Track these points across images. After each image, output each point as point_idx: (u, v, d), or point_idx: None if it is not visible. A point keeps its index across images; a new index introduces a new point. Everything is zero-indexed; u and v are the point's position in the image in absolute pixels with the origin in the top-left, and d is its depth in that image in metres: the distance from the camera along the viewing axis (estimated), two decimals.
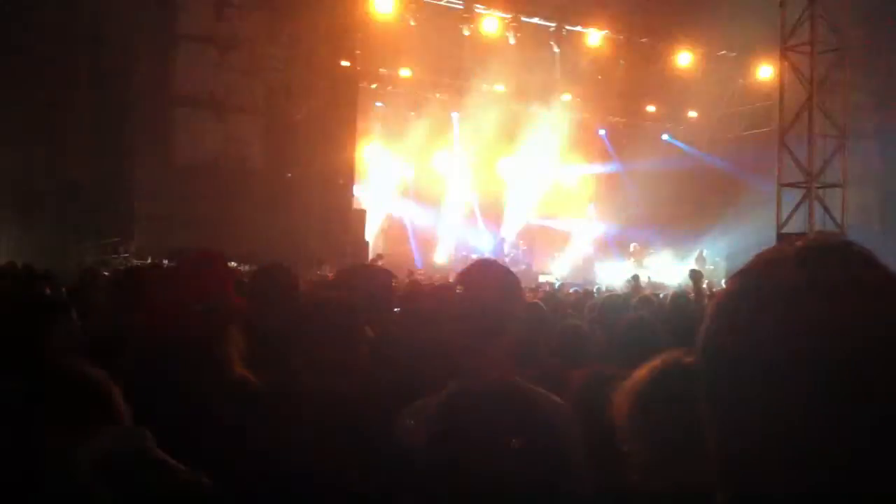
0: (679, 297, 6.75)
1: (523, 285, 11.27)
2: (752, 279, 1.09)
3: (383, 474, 2.58)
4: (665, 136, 24.38)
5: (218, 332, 3.12)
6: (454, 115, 22.56)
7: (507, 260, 21.57)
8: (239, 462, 2.59)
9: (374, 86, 21.12)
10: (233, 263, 12.78)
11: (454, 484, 2.48)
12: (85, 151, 14.75)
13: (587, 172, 23.64)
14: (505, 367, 2.69)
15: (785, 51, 17.30)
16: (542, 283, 15.72)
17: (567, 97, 22.17)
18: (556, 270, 21.72)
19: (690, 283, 8.16)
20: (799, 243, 1.10)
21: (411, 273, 14.15)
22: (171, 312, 3.24)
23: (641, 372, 2.34)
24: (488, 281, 2.80)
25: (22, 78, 14.37)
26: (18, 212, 14.22)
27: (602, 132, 24.01)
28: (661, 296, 9.70)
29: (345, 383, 2.84)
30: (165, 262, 10.66)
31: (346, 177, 19.01)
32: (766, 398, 1.02)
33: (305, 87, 18.05)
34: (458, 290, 2.83)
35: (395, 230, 22.68)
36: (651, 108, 23.52)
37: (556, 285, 16.31)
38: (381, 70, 20.61)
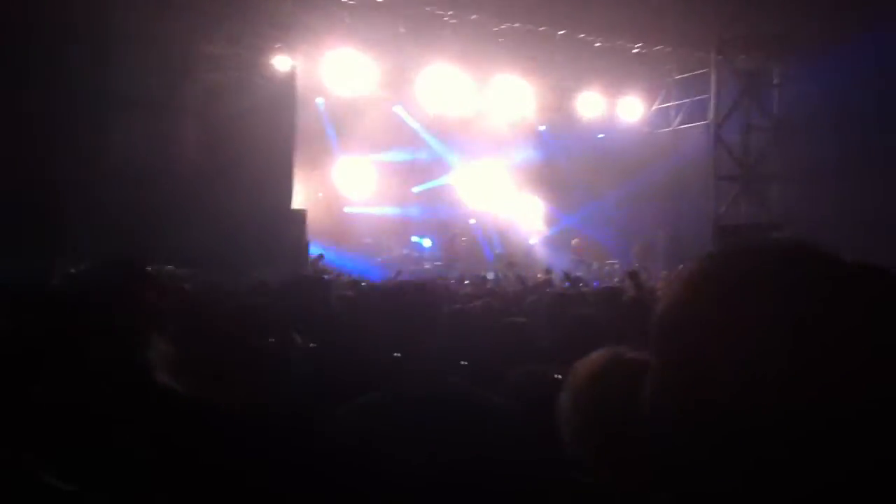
0: (611, 293, 6.76)
1: (466, 280, 11.20)
2: (731, 266, 1.08)
3: (310, 482, 2.53)
4: (601, 136, 24.57)
5: (137, 340, 3.04)
6: (398, 107, 22.54)
7: (447, 255, 21.64)
8: (165, 474, 2.53)
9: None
10: (170, 267, 12.58)
11: (386, 491, 2.44)
12: (10, 156, 14.38)
13: (524, 166, 23.71)
14: (437, 370, 2.68)
15: (721, 44, 17.55)
16: (482, 279, 15.67)
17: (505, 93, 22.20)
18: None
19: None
20: (778, 238, 1.11)
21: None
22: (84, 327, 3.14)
23: (580, 368, 2.33)
24: (401, 299, 2.84)
25: None
26: None
27: (542, 128, 24.09)
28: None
29: (268, 390, 2.81)
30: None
31: (284, 176, 18.85)
32: (735, 385, 0.99)
33: (242, 86, 17.84)
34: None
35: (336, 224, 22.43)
36: (588, 103, 23.60)
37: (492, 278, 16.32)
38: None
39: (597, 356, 2.31)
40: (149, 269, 4.13)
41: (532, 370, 3.26)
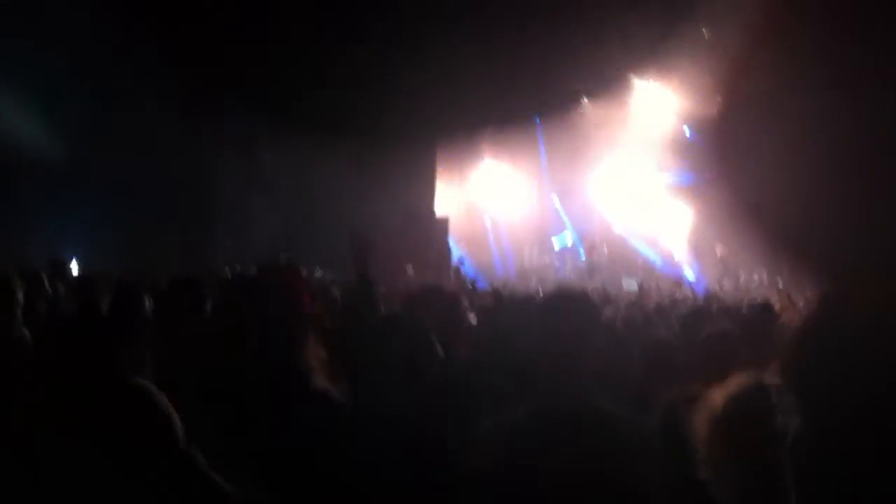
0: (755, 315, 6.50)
1: (607, 292, 10.86)
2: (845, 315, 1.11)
3: (453, 494, 2.55)
4: None
5: (298, 343, 3.17)
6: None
7: (588, 264, 21.32)
8: (319, 473, 2.62)
9: None
10: (319, 272, 12.97)
11: None
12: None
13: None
14: (585, 388, 2.62)
15: None
16: (626, 293, 15.38)
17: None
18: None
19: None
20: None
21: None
22: (249, 325, 3.29)
23: (718, 395, 2.29)
24: (564, 308, 2.78)
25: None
26: None
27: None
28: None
29: (414, 402, 2.81)
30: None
31: (428, 183, 19.14)
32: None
33: None
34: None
35: (476, 231, 22.45)
36: None
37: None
38: None
39: (736, 384, 2.27)
40: (304, 272, 4.25)
41: (677, 391, 3.23)
